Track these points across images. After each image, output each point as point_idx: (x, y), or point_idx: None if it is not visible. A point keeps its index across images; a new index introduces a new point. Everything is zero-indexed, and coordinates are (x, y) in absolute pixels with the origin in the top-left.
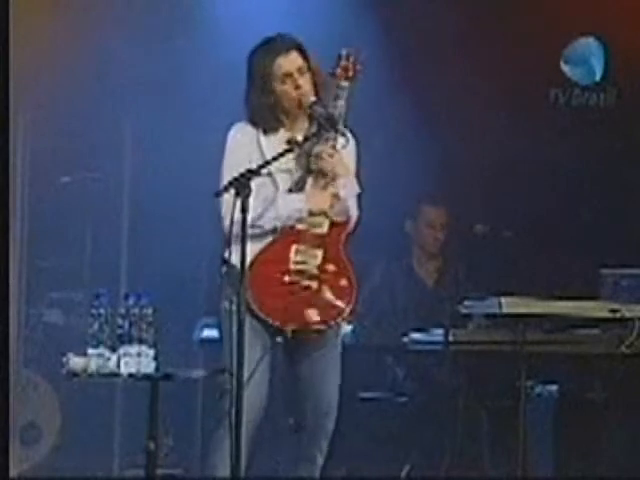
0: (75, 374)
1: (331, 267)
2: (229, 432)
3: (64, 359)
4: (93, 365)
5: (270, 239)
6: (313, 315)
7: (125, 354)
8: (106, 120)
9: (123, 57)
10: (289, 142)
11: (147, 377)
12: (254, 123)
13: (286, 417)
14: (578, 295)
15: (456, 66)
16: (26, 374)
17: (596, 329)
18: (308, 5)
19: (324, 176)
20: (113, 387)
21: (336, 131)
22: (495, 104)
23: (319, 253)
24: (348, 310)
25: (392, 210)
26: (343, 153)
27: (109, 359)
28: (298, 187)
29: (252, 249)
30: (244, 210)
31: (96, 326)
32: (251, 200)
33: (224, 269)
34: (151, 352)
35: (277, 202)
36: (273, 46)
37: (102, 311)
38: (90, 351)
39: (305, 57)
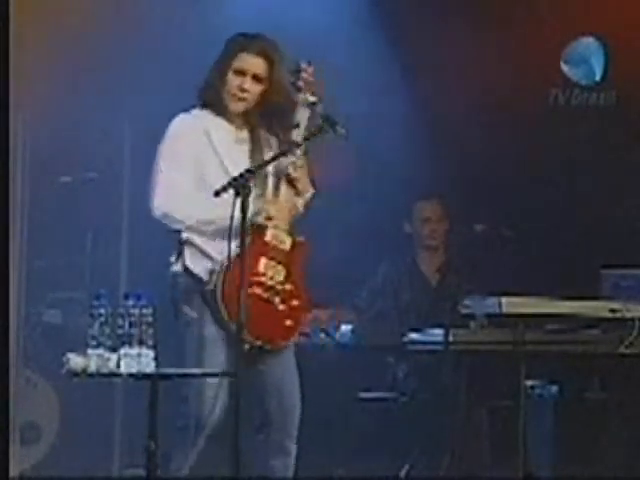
0: (75, 374)
1: (289, 286)
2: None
3: (64, 359)
4: (93, 365)
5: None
6: (273, 331)
7: (125, 354)
8: (106, 120)
9: (123, 57)
10: (290, 143)
11: (147, 377)
12: (208, 106)
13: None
14: (579, 295)
15: (456, 66)
16: (26, 374)
17: (596, 329)
18: None
19: (293, 187)
20: (113, 387)
21: (335, 131)
22: (495, 104)
23: (282, 270)
24: (296, 332)
25: (396, 210)
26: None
27: (109, 359)
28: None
29: (216, 248)
30: (244, 210)
31: (96, 326)
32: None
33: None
34: (151, 352)
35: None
36: (249, 42)
37: (102, 311)
38: (90, 351)
39: (271, 68)
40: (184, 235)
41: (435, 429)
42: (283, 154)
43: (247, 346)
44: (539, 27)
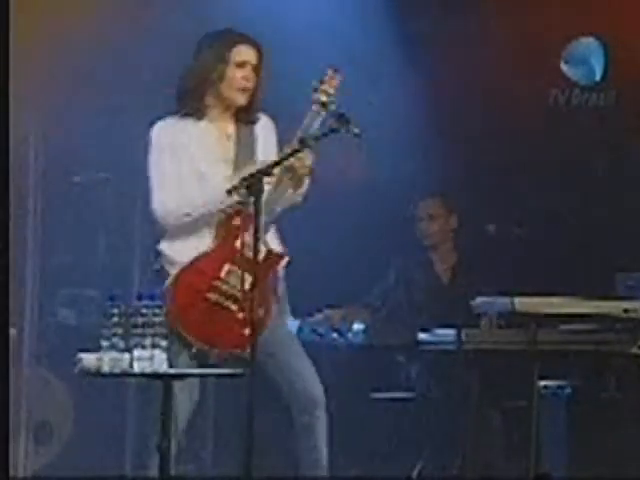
0: (88, 373)
1: (254, 295)
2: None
3: (77, 358)
4: (106, 364)
5: (207, 233)
6: (226, 338)
7: (138, 354)
8: (118, 119)
9: (136, 56)
10: (301, 141)
11: (160, 376)
12: (188, 107)
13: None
14: (592, 295)
15: (457, 66)
16: (39, 372)
17: (610, 329)
18: None
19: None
20: (126, 386)
21: (348, 130)
22: (495, 104)
23: (249, 279)
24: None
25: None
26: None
27: (122, 359)
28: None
29: (188, 245)
30: (257, 209)
31: (109, 327)
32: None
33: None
34: (164, 351)
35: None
36: (234, 35)
37: (115, 311)
38: (103, 351)
39: (260, 61)
40: (158, 247)
41: (448, 429)
42: (295, 153)
43: (194, 350)
44: (539, 27)
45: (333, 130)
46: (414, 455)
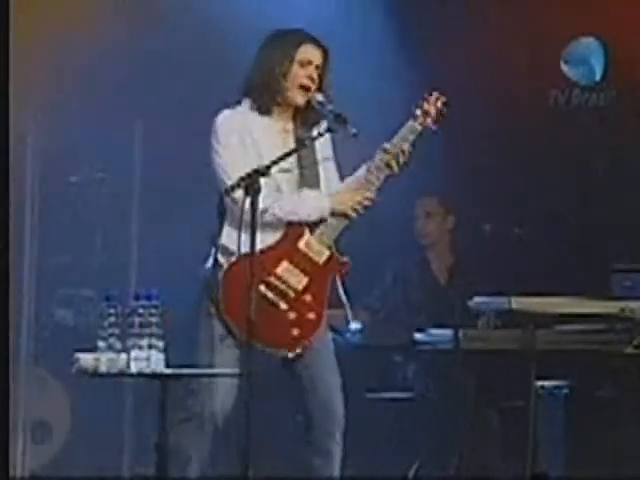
0: (85, 373)
1: (308, 298)
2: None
3: (74, 358)
4: (103, 365)
5: (270, 229)
6: (271, 335)
7: (135, 354)
8: (115, 119)
9: (133, 55)
10: (298, 141)
11: (157, 376)
12: (253, 101)
13: (293, 415)
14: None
15: (456, 66)
16: (37, 372)
17: (606, 329)
18: None
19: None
20: (124, 386)
21: (345, 130)
22: (495, 104)
23: (304, 280)
24: (302, 343)
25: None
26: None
27: (119, 359)
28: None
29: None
30: (254, 208)
31: (106, 327)
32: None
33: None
34: (161, 351)
35: (301, 198)
36: (301, 34)
37: (112, 311)
38: (100, 351)
39: (325, 61)
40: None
41: (445, 429)
42: (291, 153)
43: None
44: (539, 27)
45: (330, 130)
46: (411, 455)
